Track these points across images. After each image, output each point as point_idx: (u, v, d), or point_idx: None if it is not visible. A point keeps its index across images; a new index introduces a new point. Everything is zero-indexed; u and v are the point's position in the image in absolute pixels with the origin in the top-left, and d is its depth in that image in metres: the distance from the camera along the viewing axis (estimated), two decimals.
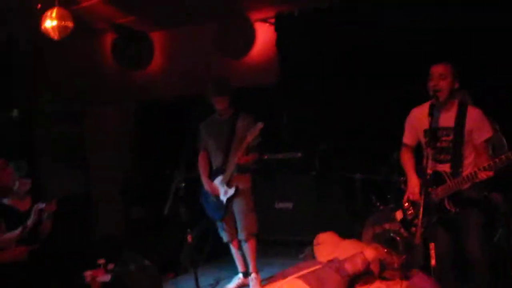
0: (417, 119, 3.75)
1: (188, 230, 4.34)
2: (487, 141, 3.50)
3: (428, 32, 5.38)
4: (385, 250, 4.56)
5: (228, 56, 7.02)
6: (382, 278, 4.43)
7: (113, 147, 7.65)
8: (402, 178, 4.97)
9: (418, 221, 3.25)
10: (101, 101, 7.68)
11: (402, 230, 4.63)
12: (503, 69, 5.06)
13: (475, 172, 3.31)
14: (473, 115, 3.52)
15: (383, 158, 5.22)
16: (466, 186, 3.42)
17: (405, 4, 5.63)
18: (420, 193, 3.40)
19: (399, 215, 3.79)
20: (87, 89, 7.65)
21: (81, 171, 7.72)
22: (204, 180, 4.81)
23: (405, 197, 3.75)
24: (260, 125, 4.39)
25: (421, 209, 3.23)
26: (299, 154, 5.96)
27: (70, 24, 5.36)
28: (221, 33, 6.92)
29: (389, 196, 5.26)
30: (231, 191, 4.63)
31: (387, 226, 4.78)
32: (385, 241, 4.71)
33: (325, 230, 5.12)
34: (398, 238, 4.66)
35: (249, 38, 6.95)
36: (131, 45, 7.48)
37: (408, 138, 3.89)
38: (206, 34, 7.07)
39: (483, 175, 3.25)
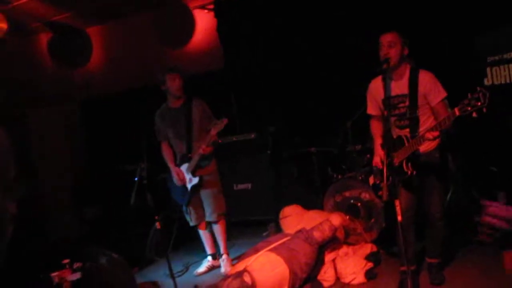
0: (375, 90, 3.90)
1: (156, 217, 4.35)
2: (443, 100, 3.68)
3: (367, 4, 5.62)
4: (347, 216, 4.74)
5: (169, 45, 7.00)
6: (347, 243, 4.62)
7: (60, 148, 7.46)
8: (355, 146, 5.23)
9: (383, 182, 3.40)
10: (44, 102, 7.46)
11: (362, 196, 4.85)
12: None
13: (424, 133, 3.51)
14: (425, 78, 3.68)
15: (335, 130, 5.41)
16: (419, 146, 3.59)
17: None
18: (384, 156, 3.57)
19: (371, 180, 3.95)
20: (27, 90, 7.41)
21: (28, 175, 7.48)
22: (172, 167, 4.86)
23: (373, 162, 3.91)
24: (225, 120, 4.44)
25: (384, 170, 3.39)
26: (253, 135, 6.04)
27: (4, 25, 5.20)
28: (160, 23, 6.90)
29: (344, 166, 5.47)
30: (195, 180, 4.71)
31: (347, 194, 4.95)
32: (347, 208, 4.89)
33: (285, 205, 5.26)
34: (358, 204, 4.85)
35: (189, 26, 6.97)
36: (67, 42, 7.31)
37: (371, 109, 4.02)
38: (145, 25, 7.03)
39: (429, 135, 3.43)
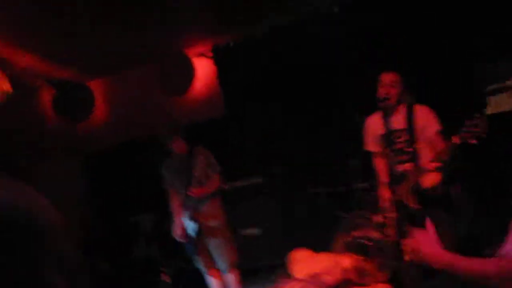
0: (372, 126, 3.93)
1: (162, 269, 4.28)
2: (437, 133, 3.68)
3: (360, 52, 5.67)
4: (358, 257, 4.63)
5: (170, 95, 7.06)
6: (360, 285, 4.50)
7: (65, 201, 7.40)
8: (362, 184, 5.18)
9: (391, 220, 3.35)
10: (49, 155, 7.47)
11: (371, 235, 4.76)
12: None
13: (421, 165, 3.48)
14: (421, 112, 3.72)
15: (341, 169, 5.36)
16: (421, 178, 3.56)
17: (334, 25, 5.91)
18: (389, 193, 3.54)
19: (377, 218, 3.89)
20: (31, 143, 7.43)
21: None
22: (176, 219, 4.83)
23: (380, 200, 3.87)
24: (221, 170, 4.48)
25: (393, 208, 3.34)
26: (260, 180, 6.01)
27: (8, 88, 5.26)
28: (161, 74, 6.97)
29: (352, 205, 5.39)
30: (196, 226, 4.66)
31: (356, 233, 4.85)
32: (357, 248, 4.79)
33: (293, 249, 5.16)
34: (368, 243, 4.75)
35: (189, 74, 7.03)
36: (70, 98, 7.38)
37: (371, 146, 4.04)
38: (146, 77, 7.11)
39: (430, 167, 3.40)
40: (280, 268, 5.53)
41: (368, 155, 4.23)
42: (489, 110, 5.65)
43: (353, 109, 4.74)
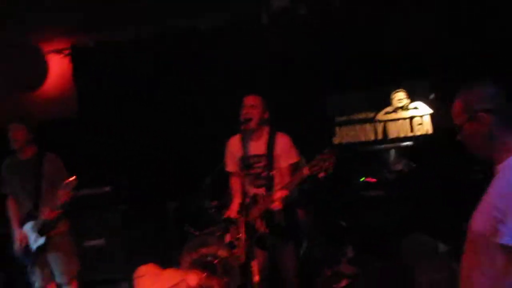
0: (233, 148, 3.98)
1: None
2: (292, 165, 3.83)
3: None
4: (204, 274, 4.64)
5: (20, 88, 6.53)
6: None
7: None
8: (213, 202, 5.22)
9: (241, 241, 3.41)
10: None
11: (219, 253, 4.80)
12: None
13: (273, 192, 3.62)
14: (282, 141, 3.84)
15: (194, 185, 5.34)
16: (271, 204, 3.68)
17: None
18: (240, 214, 3.59)
19: (227, 237, 3.94)
20: None
21: None
22: (15, 229, 4.43)
23: (226, 213, 3.92)
24: (73, 178, 4.16)
25: (243, 229, 3.40)
26: (107, 189, 5.75)
27: None
28: (11, 65, 6.41)
29: (200, 223, 5.39)
30: (41, 240, 4.31)
31: (204, 250, 4.84)
32: (203, 265, 4.79)
33: (139, 263, 5.02)
34: (215, 261, 4.78)
35: (42, 69, 6.58)
36: None
37: (230, 166, 4.08)
38: None
39: (278, 194, 3.55)
40: (122, 283, 5.37)
41: (224, 174, 4.27)
42: (336, 140, 6.08)
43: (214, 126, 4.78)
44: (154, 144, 6.12)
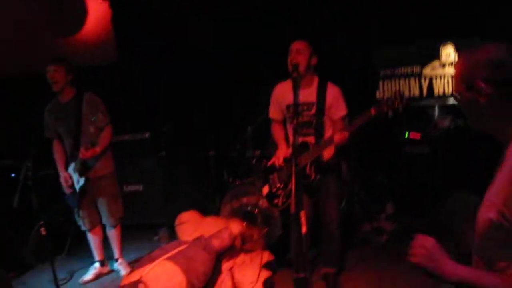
0: (280, 95, 3.88)
1: (41, 222, 3.91)
2: (343, 118, 3.73)
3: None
4: (244, 223, 4.64)
5: (59, 33, 6.47)
6: (244, 250, 4.52)
7: None
8: (254, 152, 5.17)
9: (287, 190, 3.37)
10: None
11: (260, 203, 4.78)
12: None
13: (331, 135, 3.53)
14: (333, 91, 3.73)
15: (236, 134, 5.30)
16: (325, 150, 3.62)
17: None
18: (288, 161, 3.54)
19: (265, 189, 3.89)
20: None
21: None
22: (61, 171, 4.45)
23: (270, 163, 3.87)
24: (102, 117, 4.12)
25: (293, 177, 3.33)
26: (147, 135, 5.74)
27: None
28: (50, 8, 6.34)
29: (240, 172, 5.37)
30: (82, 181, 4.33)
31: (244, 200, 4.85)
32: (244, 214, 4.79)
33: (177, 210, 5.04)
34: (256, 211, 4.77)
35: (81, 14, 6.50)
36: None
37: (274, 113, 4.00)
38: (32, 10, 6.40)
39: (338, 137, 3.46)
40: (160, 229, 5.42)
41: (267, 124, 4.18)
42: (379, 94, 5.92)
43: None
44: (194, 91, 6.04)
